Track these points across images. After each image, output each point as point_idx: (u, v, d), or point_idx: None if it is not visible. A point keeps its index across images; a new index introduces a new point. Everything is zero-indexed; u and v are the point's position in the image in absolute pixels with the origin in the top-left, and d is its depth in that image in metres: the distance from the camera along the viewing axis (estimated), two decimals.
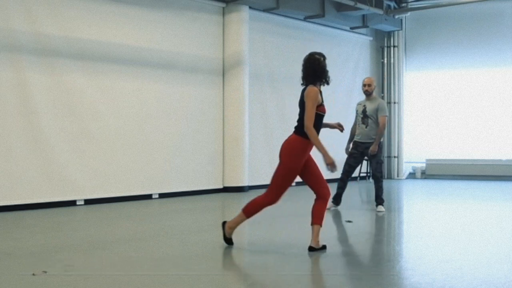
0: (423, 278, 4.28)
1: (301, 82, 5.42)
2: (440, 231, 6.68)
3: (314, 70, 5.27)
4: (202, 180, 10.81)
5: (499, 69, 14.23)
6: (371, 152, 8.03)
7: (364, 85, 8.23)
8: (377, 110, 8.07)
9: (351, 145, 8.28)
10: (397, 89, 15.08)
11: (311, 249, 5.28)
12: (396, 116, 15.07)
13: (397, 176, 15.06)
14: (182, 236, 6.25)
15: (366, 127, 8.09)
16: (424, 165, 15.07)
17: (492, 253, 5.27)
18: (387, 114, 8.20)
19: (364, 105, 8.17)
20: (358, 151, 8.19)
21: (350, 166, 8.23)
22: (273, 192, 5.37)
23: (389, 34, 15.01)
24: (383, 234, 6.80)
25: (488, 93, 14.35)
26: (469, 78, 14.59)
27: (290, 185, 5.39)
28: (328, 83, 5.38)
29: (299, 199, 9.99)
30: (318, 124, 5.26)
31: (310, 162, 5.37)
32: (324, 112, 5.31)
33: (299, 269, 4.71)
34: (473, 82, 14.53)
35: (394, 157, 15.07)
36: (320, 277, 4.53)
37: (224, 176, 11.19)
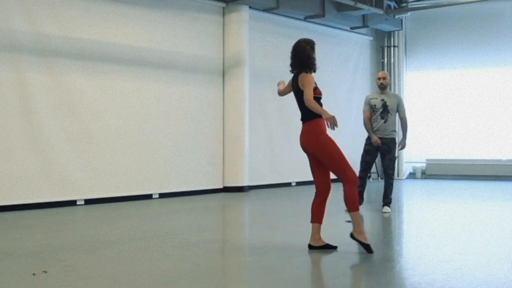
0: (423, 278, 4.28)
1: (290, 69, 5.42)
2: (440, 231, 6.68)
3: (300, 58, 5.32)
4: (202, 180, 10.81)
5: (499, 69, 14.23)
6: (401, 147, 8.05)
7: (379, 78, 8.05)
8: (398, 105, 8.00)
9: (374, 136, 7.94)
10: (397, 89, 15.08)
11: (310, 246, 5.30)
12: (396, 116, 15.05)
13: (397, 176, 15.06)
14: (182, 236, 6.25)
15: (385, 122, 7.94)
16: (424, 165, 15.07)
17: (492, 253, 5.27)
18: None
19: (383, 99, 7.96)
20: (374, 147, 8.02)
21: (367, 163, 8.09)
22: (345, 172, 5.12)
23: (389, 34, 15.01)
24: (383, 234, 6.79)
25: (488, 93, 14.35)
26: (469, 78, 14.60)
27: (345, 157, 5.18)
28: (314, 71, 5.37)
29: (299, 199, 9.99)
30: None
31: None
32: (320, 94, 5.33)
33: (299, 269, 4.71)
34: (473, 82, 14.54)
35: (394, 157, 15.05)
36: (320, 277, 4.53)
37: (224, 176, 11.19)
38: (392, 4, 14.15)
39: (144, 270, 4.57)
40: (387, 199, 8.10)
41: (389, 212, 8.05)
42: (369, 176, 14.12)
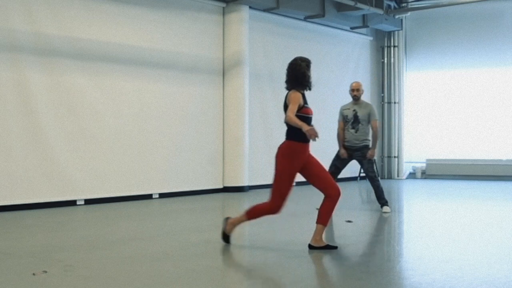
0: (423, 278, 4.28)
1: (285, 86, 5.41)
2: (440, 231, 6.68)
3: (295, 76, 5.30)
4: (202, 180, 10.81)
5: (499, 69, 14.23)
6: (369, 157, 8.01)
7: (352, 90, 8.16)
8: (369, 115, 8.07)
9: (342, 148, 8.10)
10: (397, 89, 15.08)
11: (310, 247, 5.33)
12: (396, 116, 15.07)
13: (397, 176, 15.06)
14: (182, 236, 6.25)
15: (356, 132, 8.04)
16: (424, 165, 15.07)
17: (492, 253, 5.27)
18: (377, 118, 8.19)
19: (354, 110, 8.10)
20: (347, 154, 8.11)
21: (336, 168, 8.16)
22: (275, 198, 5.32)
23: (389, 34, 15.01)
24: (383, 234, 6.79)
25: (488, 93, 14.35)
26: (469, 78, 14.60)
27: (289, 189, 5.33)
28: (309, 89, 5.36)
29: (299, 199, 9.99)
30: None
31: (312, 164, 5.36)
32: (308, 114, 5.29)
33: (299, 269, 4.71)
34: (473, 82, 14.54)
35: (394, 157, 15.07)
36: (320, 277, 4.53)
37: (224, 176, 11.19)
38: (392, 4, 14.15)
39: (144, 270, 4.57)
40: (382, 200, 8.14)
41: (389, 212, 8.05)
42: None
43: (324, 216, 5.34)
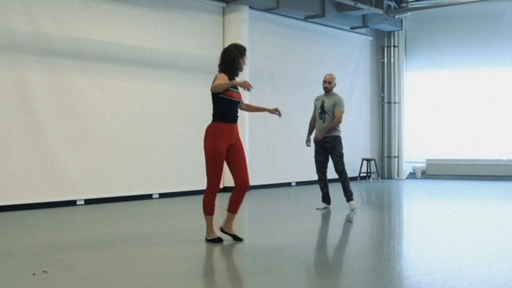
0: (423, 278, 4.28)
1: (218, 69, 5.73)
2: (440, 231, 6.68)
3: (225, 61, 5.69)
4: (202, 180, 10.68)
5: (499, 69, 14.23)
6: (316, 138, 8.19)
7: (324, 81, 8.30)
8: (334, 106, 8.14)
9: (311, 137, 8.37)
10: (397, 89, 15.08)
11: (221, 229, 5.74)
12: (396, 116, 15.07)
13: (397, 176, 15.07)
14: (182, 236, 6.25)
15: (323, 122, 8.17)
16: (424, 165, 15.07)
17: (492, 253, 5.27)
18: (343, 110, 8.23)
19: (322, 100, 8.25)
20: (320, 146, 8.26)
21: (320, 162, 8.30)
22: (211, 181, 5.59)
23: (389, 34, 15.01)
24: (383, 234, 6.80)
25: (488, 93, 14.35)
26: (469, 78, 14.60)
27: (220, 168, 5.55)
28: (235, 74, 5.67)
29: (299, 199, 10.00)
30: (230, 109, 5.56)
31: (234, 150, 5.59)
32: (232, 96, 5.57)
33: (298, 269, 4.71)
34: (473, 82, 14.54)
35: (394, 157, 15.08)
36: (320, 277, 4.53)
37: (224, 176, 11.17)
38: (392, 4, 14.15)
39: (144, 270, 4.57)
40: (347, 193, 8.24)
41: (355, 208, 8.17)
42: (369, 176, 14.20)
43: (233, 205, 5.70)
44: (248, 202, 9.73)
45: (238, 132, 5.68)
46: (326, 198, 8.43)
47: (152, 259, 5.02)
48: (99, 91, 9.24)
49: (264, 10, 11.77)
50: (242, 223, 7.22)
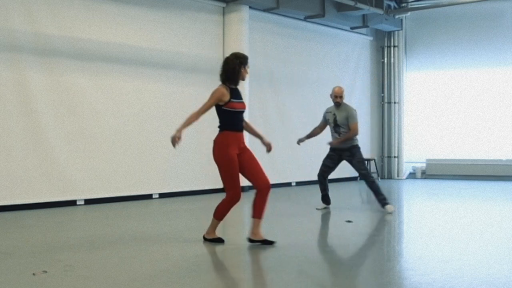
0: (423, 278, 4.28)
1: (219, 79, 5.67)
2: (440, 231, 6.68)
3: (226, 71, 5.63)
4: (202, 180, 10.81)
5: (499, 69, 14.23)
6: (331, 145, 8.14)
7: (335, 96, 8.18)
8: (347, 119, 8.08)
9: (305, 138, 8.30)
10: (397, 89, 15.08)
11: (250, 240, 5.59)
12: (396, 116, 15.07)
13: (397, 176, 15.07)
14: (182, 236, 6.25)
15: (339, 135, 8.11)
16: (424, 165, 15.07)
17: (492, 253, 5.27)
18: (357, 120, 8.15)
19: (334, 114, 8.17)
20: (336, 154, 8.20)
21: (326, 166, 8.26)
22: (229, 189, 5.62)
23: (389, 34, 15.01)
24: (383, 234, 6.79)
25: (488, 93, 14.35)
26: (469, 78, 14.60)
27: (236, 175, 5.59)
28: (236, 83, 5.63)
29: (299, 199, 10.00)
30: (234, 120, 5.59)
31: (245, 156, 5.59)
32: (234, 108, 5.56)
33: (299, 269, 4.71)
34: (473, 82, 14.54)
35: (394, 157, 15.08)
36: (320, 277, 4.53)
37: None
38: (392, 4, 14.15)
39: (144, 270, 4.57)
40: (380, 197, 8.10)
41: (392, 211, 7.98)
42: None
43: (257, 210, 5.57)
44: (248, 202, 9.74)
45: (244, 141, 5.65)
46: (325, 200, 8.44)
47: (152, 259, 5.02)
48: (99, 91, 9.24)
49: (264, 10, 11.77)
50: (242, 223, 7.22)
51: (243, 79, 5.66)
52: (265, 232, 6.58)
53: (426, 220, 7.85)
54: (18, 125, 8.29)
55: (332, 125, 8.17)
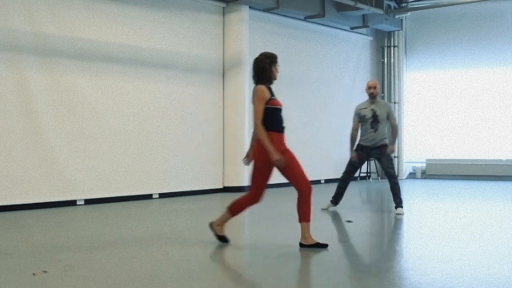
0: (423, 278, 4.28)
1: (252, 80, 5.56)
2: (440, 231, 6.68)
3: (257, 71, 5.47)
4: (202, 180, 10.81)
5: (499, 69, 14.24)
6: (390, 152, 7.91)
7: (369, 87, 7.99)
8: (388, 114, 7.97)
9: (354, 151, 8.03)
10: (397, 89, 15.09)
11: (301, 245, 5.44)
12: (396, 116, 15.07)
13: (398, 176, 15.06)
14: (182, 236, 6.25)
15: (375, 132, 7.89)
16: (424, 165, 15.07)
17: (492, 253, 5.27)
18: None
19: (373, 109, 7.93)
20: (364, 153, 8.00)
21: (353, 167, 8.09)
22: (254, 189, 5.47)
23: (389, 34, 15.01)
24: (383, 234, 6.79)
25: (488, 93, 14.36)
26: (469, 78, 14.60)
27: (266, 181, 5.45)
28: (270, 83, 5.48)
29: None
30: (277, 118, 5.40)
31: (286, 158, 5.40)
32: (276, 105, 5.40)
33: (299, 269, 4.71)
34: (473, 82, 14.54)
35: (394, 157, 15.04)
36: (320, 277, 4.53)
37: (224, 176, 11.19)
38: (392, 4, 14.15)
39: (144, 270, 4.57)
40: (397, 199, 7.92)
41: (402, 214, 7.85)
42: (369, 176, 14.19)
43: (303, 213, 5.46)
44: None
45: (285, 143, 5.48)
46: (336, 198, 8.21)
47: (152, 259, 5.01)
48: (99, 91, 9.24)
49: (264, 10, 11.77)
50: (242, 223, 7.22)
51: (275, 78, 5.50)
52: (265, 232, 6.58)
53: (426, 220, 7.85)
54: (18, 125, 8.29)
55: (371, 120, 7.89)
